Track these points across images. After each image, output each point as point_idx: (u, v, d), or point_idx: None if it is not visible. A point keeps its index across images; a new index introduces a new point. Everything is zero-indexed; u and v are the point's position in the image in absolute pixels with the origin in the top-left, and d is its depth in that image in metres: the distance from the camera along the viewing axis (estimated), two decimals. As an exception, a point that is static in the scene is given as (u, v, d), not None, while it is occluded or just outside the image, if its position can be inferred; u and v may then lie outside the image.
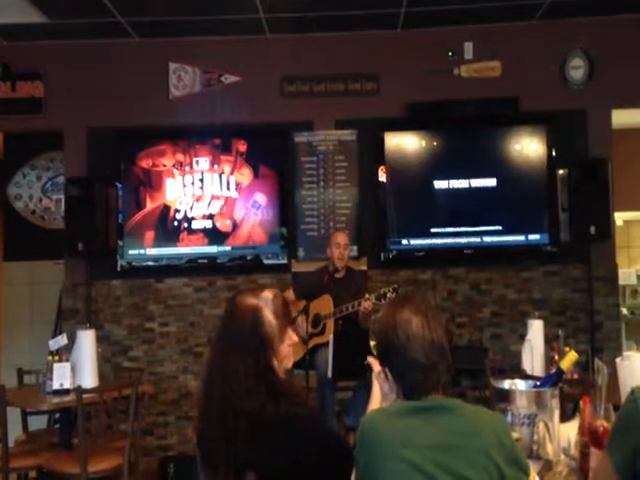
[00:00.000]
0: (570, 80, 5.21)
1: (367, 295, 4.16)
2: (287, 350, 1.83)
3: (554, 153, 5.01)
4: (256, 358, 1.75)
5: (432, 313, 1.60)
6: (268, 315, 1.79)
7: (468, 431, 1.48)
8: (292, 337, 1.84)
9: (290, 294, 4.50)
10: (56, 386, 3.70)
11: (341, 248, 4.44)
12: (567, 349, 2.64)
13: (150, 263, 5.17)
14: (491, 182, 5.04)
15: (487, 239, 5.00)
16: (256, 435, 1.70)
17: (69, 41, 5.30)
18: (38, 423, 4.50)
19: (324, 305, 4.30)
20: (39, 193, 6.04)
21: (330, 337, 3.89)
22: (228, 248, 5.16)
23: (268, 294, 1.83)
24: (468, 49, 5.26)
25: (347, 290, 4.32)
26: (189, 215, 5.18)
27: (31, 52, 5.34)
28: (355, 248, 5.08)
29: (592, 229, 4.69)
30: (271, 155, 5.20)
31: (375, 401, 1.93)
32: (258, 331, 1.77)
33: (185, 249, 5.15)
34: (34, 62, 5.34)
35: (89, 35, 5.23)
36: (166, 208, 5.19)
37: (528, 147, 5.06)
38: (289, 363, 1.85)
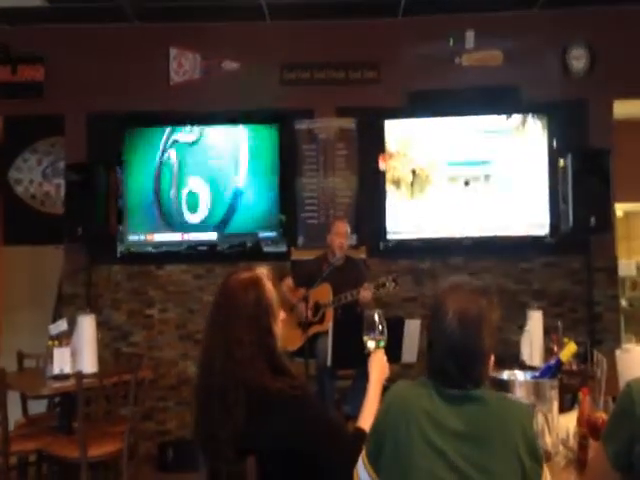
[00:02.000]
0: (571, 70, 5.20)
1: (366, 284, 4.17)
2: (280, 324, 1.90)
3: (555, 143, 5.01)
4: (260, 325, 1.81)
5: (472, 319, 1.52)
6: (268, 284, 1.87)
7: (495, 422, 1.46)
8: (281, 313, 1.91)
9: (289, 281, 4.51)
10: (56, 371, 3.71)
11: (342, 237, 4.43)
12: (566, 340, 2.65)
13: (150, 249, 5.18)
14: (491, 171, 5.04)
15: (486, 229, 5.00)
16: (255, 410, 1.73)
17: (70, 25, 5.27)
18: (38, 407, 4.52)
19: (323, 293, 4.31)
20: (39, 177, 6.02)
21: (329, 325, 3.90)
22: (227, 235, 5.16)
23: (262, 268, 1.92)
24: (469, 38, 5.24)
25: (346, 279, 4.32)
26: (189, 201, 5.17)
27: (32, 36, 5.31)
28: (354, 237, 5.07)
29: (592, 220, 4.68)
30: (271, 142, 5.19)
31: (372, 393, 1.94)
32: (261, 299, 1.84)
33: (185, 235, 5.16)
34: (35, 46, 5.31)
35: (90, 19, 5.20)
36: (166, 194, 5.18)
37: (529, 137, 5.05)
38: (281, 341, 1.89)
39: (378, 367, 2.00)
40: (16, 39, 5.31)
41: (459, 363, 1.49)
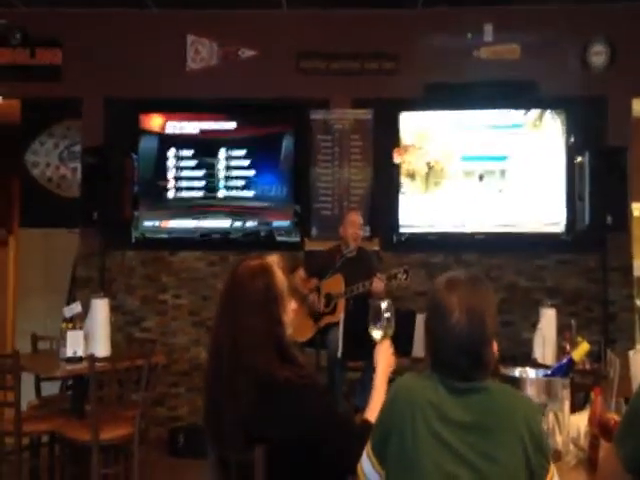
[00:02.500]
0: (591, 66, 5.14)
1: (379, 275, 4.17)
2: (291, 313, 1.88)
3: (572, 139, 4.97)
4: (270, 313, 1.80)
5: (477, 312, 1.51)
6: (278, 272, 1.86)
7: (500, 412, 1.46)
8: (292, 303, 1.89)
9: (301, 272, 4.52)
10: (69, 353, 3.73)
11: (356, 228, 4.44)
12: (579, 339, 2.64)
13: (164, 235, 5.21)
14: (506, 166, 5.00)
15: (501, 225, 4.98)
16: (262, 397, 1.73)
17: (88, 9, 5.27)
18: (51, 388, 4.57)
19: (335, 284, 4.32)
20: (56, 161, 6.05)
21: (341, 316, 3.91)
22: (241, 224, 5.17)
23: (273, 256, 1.91)
24: (488, 31, 5.20)
25: (359, 270, 4.32)
26: (203, 189, 5.19)
27: (50, 19, 5.33)
28: (367, 228, 5.07)
29: (609, 218, 4.64)
30: (286, 131, 5.18)
31: (379, 385, 1.94)
32: (271, 286, 1.83)
33: (199, 223, 5.18)
34: (53, 29, 5.33)
35: (108, 4, 5.20)
36: (180, 181, 5.20)
37: (546, 132, 5.01)
38: (291, 329, 1.88)
39: (384, 358, 1.98)
40: (35, 23, 5.32)
41: (470, 357, 1.49)
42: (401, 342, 3.75)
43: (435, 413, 1.45)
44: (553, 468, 1.49)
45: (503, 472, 1.40)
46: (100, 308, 3.94)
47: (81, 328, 3.85)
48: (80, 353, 3.75)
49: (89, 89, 5.28)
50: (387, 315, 1.97)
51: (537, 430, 1.47)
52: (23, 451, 3.74)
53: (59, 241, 5.81)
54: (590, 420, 1.91)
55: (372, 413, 1.83)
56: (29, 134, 6.04)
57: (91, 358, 3.53)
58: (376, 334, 1.98)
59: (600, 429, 1.82)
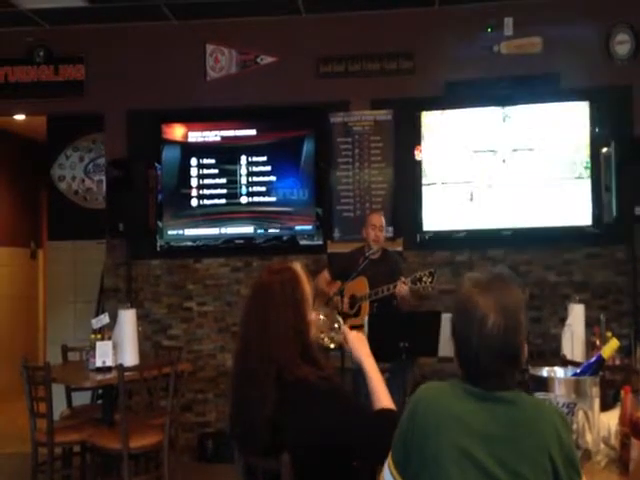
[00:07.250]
0: (615, 55, 5.04)
1: (403, 278, 4.12)
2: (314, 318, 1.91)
3: (597, 131, 4.87)
4: (297, 310, 1.84)
5: (513, 312, 1.46)
6: (303, 275, 1.91)
7: (527, 424, 1.41)
8: (313, 314, 1.91)
9: (326, 274, 4.51)
10: (99, 364, 3.80)
11: (377, 230, 4.40)
12: (609, 334, 2.58)
13: (188, 243, 5.25)
14: (532, 162, 4.93)
15: (527, 220, 4.90)
16: (282, 398, 1.74)
17: (109, 25, 5.35)
18: (82, 398, 4.64)
19: (359, 287, 4.29)
20: (81, 174, 6.15)
21: (365, 319, 3.88)
22: (264, 229, 5.19)
23: (296, 264, 1.95)
24: (508, 25, 5.13)
25: (382, 272, 4.28)
26: (226, 196, 5.22)
27: (72, 36, 5.42)
28: (391, 229, 5.04)
29: (637, 209, 4.55)
30: (306, 136, 5.18)
31: (371, 369, 1.93)
32: (297, 287, 1.87)
33: (222, 230, 5.20)
34: (75, 46, 5.42)
35: (129, 18, 5.27)
36: (203, 189, 5.24)
37: (570, 125, 4.92)
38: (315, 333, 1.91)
39: (357, 343, 1.99)
40: (57, 40, 5.42)
41: (508, 362, 1.45)
42: (427, 343, 3.75)
43: (459, 425, 1.41)
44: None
45: None
46: (127, 318, 4.01)
47: (109, 338, 3.91)
48: (109, 363, 3.81)
49: (112, 102, 5.36)
50: (336, 325, 2.01)
51: (567, 442, 1.42)
52: (56, 461, 3.80)
53: (87, 253, 5.90)
54: (621, 419, 1.87)
55: (383, 400, 1.85)
56: (55, 149, 6.16)
57: (120, 368, 3.58)
58: (327, 342, 2.02)
59: (631, 427, 1.78)
